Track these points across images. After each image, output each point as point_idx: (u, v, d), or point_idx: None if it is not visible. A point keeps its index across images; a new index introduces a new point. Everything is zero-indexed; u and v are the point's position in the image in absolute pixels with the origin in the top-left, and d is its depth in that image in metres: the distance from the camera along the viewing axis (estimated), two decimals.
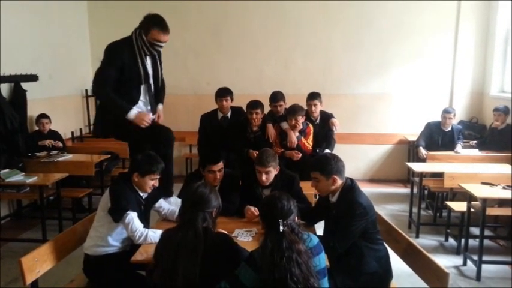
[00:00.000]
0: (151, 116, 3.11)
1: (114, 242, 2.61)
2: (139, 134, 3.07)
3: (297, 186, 3.07)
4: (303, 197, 3.01)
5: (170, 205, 2.98)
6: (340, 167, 2.45)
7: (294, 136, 4.28)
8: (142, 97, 3.15)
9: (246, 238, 2.52)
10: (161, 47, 3.03)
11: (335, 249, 2.33)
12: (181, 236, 1.91)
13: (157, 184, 2.70)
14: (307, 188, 3.13)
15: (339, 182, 2.44)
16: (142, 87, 3.13)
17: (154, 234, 2.49)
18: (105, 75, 2.97)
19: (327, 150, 4.62)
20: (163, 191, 3.02)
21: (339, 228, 2.37)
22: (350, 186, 2.45)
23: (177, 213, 2.78)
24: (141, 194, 2.68)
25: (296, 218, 1.96)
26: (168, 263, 1.87)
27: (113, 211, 2.54)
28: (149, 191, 2.68)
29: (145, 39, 2.96)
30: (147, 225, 2.71)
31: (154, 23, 2.97)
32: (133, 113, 2.99)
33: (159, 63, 3.21)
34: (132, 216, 2.53)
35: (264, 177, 2.89)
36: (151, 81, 3.16)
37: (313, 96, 4.74)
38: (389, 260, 2.51)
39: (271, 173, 2.92)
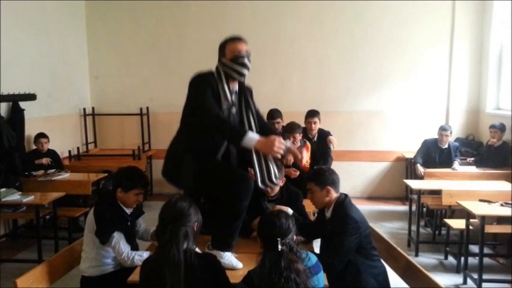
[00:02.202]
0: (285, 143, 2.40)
1: (107, 260, 2.58)
2: (212, 185, 2.51)
3: (301, 203, 3.08)
4: (305, 214, 3.02)
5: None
6: (335, 179, 2.48)
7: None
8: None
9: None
10: (243, 57, 2.54)
11: (333, 266, 2.31)
12: (164, 256, 1.82)
13: (141, 199, 2.67)
14: (307, 206, 3.14)
15: (334, 194, 2.46)
16: None
17: (141, 258, 2.46)
18: (208, 104, 2.44)
19: None
20: (218, 243, 2.45)
21: (334, 245, 2.36)
22: (342, 201, 2.46)
23: (151, 231, 2.76)
24: (127, 210, 2.65)
25: (295, 236, 1.95)
26: (155, 285, 1.81)
27: (98, 234, 2.52)
28: (134, 206, 2.66)
29: (226, 61, 2.56)
30: (133, 241, 2.68)
31: (226, 41, 2.63)
32: (253, 138, 2.32)
33: (247, 102, 2.67)
34: (118, 239, 2.51)
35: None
36: (233, 118, 2.60)
37: (313, 114, 4.76)
38: (387, 277, 2.49)
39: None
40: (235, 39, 2.60)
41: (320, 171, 2.54)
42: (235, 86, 2.64)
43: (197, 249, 2.00)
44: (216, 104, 2.47)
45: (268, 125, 2.88)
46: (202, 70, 2.60)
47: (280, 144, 2.29)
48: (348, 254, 2.36)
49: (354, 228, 2.34)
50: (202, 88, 2.48)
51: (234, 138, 2.40)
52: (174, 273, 1.79)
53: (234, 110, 2.61)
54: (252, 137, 2.33)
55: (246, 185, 2.39)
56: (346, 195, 2.50)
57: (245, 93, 2.69)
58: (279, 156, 2.35)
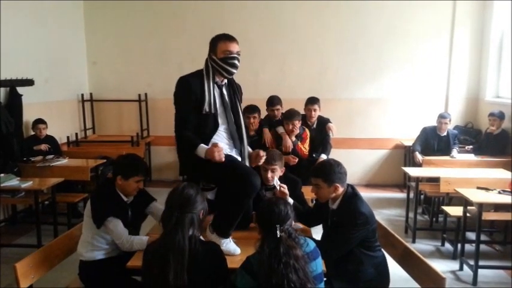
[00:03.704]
0: (224, 149, 2.54)
1: (103, 245, 2.59)
2: (217, 174, 2.55)
3: (299, 190, 3.09)
4: (303, 201, 3.03)
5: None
6: (343, 174, 2.44)
7: (289, 141, 4.27)
8: (219, 132, 2.67)
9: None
10: (234, 58, 2.65)
11: (330, 256, 2.31)
12: (169, 241, 1.84)
13: (141, 186, 2.67)
14: (306, 193, 3.15)
15: (340, 189, 2.43)
16: (220, 120, 2.68)
17: (141, 242, 2.47)
18: (182, 115, 2.61)
19: (323, 155, 4.62)
20: (217, 229, 2.48)
21: (338, 235, 2.37)
22: (352, 194, 2.44)
23: None
24: (126, 199, 2.65)
25: (293, 222, 1.96)
26: (158, 270, 1.82)
27: (94, 218, 2.53)
28: (134, 193, 2.66)
29: (216, 58, 2.65)
30: (135, 231, 2.67)
31: (218, 38, 2.68)
32: (203, 148, 2.48)
33: (235, 94, 2.81)
34: (115, 223, 2.51)
35: (269, 175, 2.92)
36: (220, 111, 2.68)
37: (313, 101, 4.74)
38: (386, 265, 2.51)
39: (276, 171, 2.95)
40: (228, 39, 2.68)
41: (328, 167, 2.44)
42: (224, 79, 2.75)
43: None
44: (188, 114, 2.59)
45: None
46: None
47: (216, 149, 2.41)
48: (349, 246, 2.37)
49: (363, 223, 2.34)
50: (180, 96, 2.63)
51: (191, 148, 2.54)
52: (178, 259, 1.81)
53: (220, 102, 2.70)
54: (203, 147, 2.49)
55: (255, 182, 2.42)
56: (353, 188, 2.47)
57: (233, 85, 2.82)
58: (223, 160, 2.44)
